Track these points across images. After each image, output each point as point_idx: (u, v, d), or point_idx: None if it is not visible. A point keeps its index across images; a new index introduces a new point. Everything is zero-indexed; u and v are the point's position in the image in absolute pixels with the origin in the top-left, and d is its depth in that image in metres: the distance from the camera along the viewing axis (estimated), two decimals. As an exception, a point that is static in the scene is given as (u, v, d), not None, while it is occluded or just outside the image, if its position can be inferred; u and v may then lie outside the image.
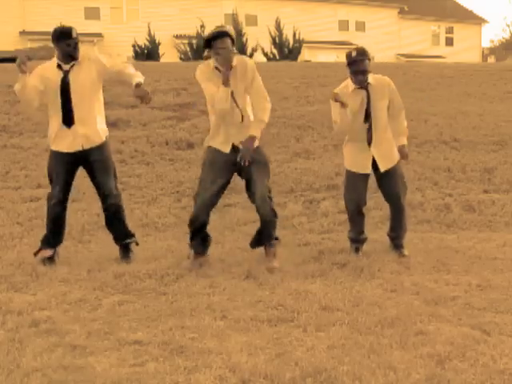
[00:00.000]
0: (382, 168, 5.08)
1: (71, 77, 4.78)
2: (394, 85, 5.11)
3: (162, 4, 30.74)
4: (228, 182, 4.85)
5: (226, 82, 4.55)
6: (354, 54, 4.93)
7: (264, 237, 4.90)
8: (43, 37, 23.94)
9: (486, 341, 3.35)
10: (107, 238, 5.25)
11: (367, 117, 5.00)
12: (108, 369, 3.03)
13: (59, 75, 4.78)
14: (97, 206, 6.26)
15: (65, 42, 4.72)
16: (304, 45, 24.04)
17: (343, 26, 35.59)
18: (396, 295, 4.15)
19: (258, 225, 4.98)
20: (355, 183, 5.15)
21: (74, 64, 4.79)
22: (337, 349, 3.25)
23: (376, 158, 5.07)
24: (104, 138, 4.94)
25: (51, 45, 4.87)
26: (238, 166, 4.71)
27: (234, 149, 4.72)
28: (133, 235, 5.13)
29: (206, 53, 6.33)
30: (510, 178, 7.87)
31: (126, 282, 4.40)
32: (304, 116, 10.28)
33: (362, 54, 4.93)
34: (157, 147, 8.91)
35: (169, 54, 24.24)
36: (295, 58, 22.88)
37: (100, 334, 3.48)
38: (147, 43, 23.84)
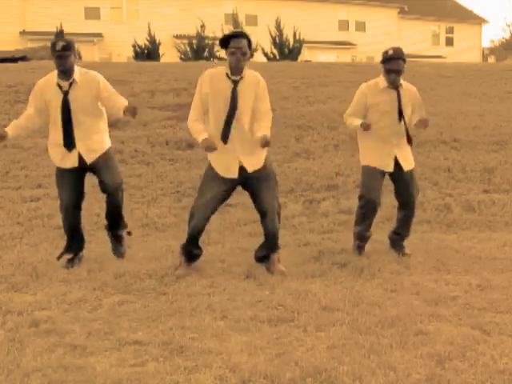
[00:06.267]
0: (406, 168, 5.11)
1: (71, 97, 4.67)
2: None
3: (162, 4, 30.75)
4: (228, 195, 4.75)
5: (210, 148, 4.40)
6: (390, 52, 4.98)
7: (270, 249, 4.78)
8: (43, 37, 24.03)
9: (485, 341, 3.35)
10: (107, 238, 5.25)
11: (401, 116, 5.02)
12: (108, 369, 3.03)
13: (59, 95, 4.68)
14: (97, 205, 6.27)
15: (54, 54, 4.58)
16: (304, 45, 24.03)
17: (343, 25, 35.58)
18: (396, 295, 4.15)
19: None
20: (375, 180, 5.08)
21: (72, 82, 4.67)
22: (337, 349, 3.25)
23: (399, 158, 5.09)
24: (106, 148, 4.92)
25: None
26: (242, 181, 4.63)
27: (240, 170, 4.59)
28: (126, 226, 5.17)
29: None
30: (510, 177, 7.87)
31: (126, 282, 4.40)
32: (304, 116, 10.28)
33: (399, 53, 4.96)
34: (157, 147, 8.91)
35: (169, 54, 24.23)
36: (295, 58, 22.87)
37: (100, 333, 3.49)
38: (147, 43, 23.83)
